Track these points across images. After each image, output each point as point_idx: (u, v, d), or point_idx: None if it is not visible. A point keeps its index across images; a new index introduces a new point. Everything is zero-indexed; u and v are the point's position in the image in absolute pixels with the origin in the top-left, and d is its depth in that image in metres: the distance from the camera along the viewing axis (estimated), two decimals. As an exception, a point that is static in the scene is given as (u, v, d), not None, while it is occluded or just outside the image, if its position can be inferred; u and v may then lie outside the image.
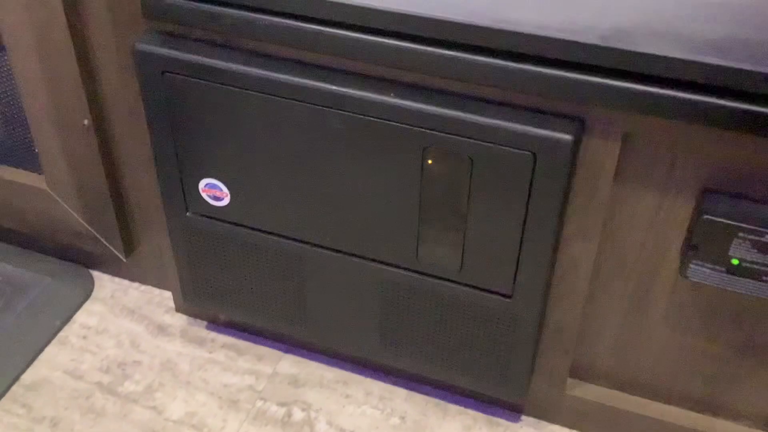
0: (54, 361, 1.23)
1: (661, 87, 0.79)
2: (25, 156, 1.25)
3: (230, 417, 1.16)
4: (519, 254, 0.94)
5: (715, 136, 0.81)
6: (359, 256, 1.04)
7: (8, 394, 1.18)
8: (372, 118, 0.90)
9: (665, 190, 0.89)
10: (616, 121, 0.84)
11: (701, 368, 1.03)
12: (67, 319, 1.30)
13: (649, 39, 0.79)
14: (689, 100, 0.78)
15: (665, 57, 0.77)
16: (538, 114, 0.86)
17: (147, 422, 1.15)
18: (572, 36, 0.80)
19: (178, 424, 1.15)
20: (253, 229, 1.08)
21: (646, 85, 0.79)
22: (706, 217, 0.86)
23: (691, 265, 0.89)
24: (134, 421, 1.15)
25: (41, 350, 1.25)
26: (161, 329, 1.29)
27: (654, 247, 0.94)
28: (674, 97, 0.79)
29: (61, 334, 1.28)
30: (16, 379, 1.20)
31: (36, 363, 1.23)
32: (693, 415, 1.08)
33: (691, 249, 0.88)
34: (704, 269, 0.89)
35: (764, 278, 0.87)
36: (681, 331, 1.00)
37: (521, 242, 0.93)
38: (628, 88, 0.80)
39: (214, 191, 1.06)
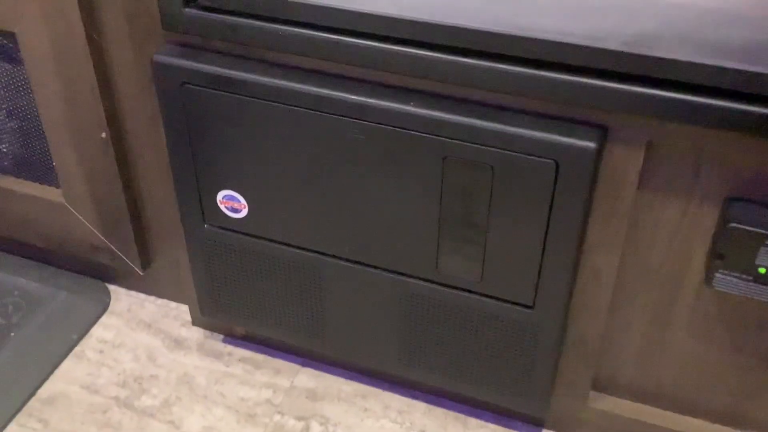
0: (70, 376, 1.23)
1: (686, 93, 0.78)
2: (42, 169, 1.25)
3: (248, 431, 1.15)
4: (541, 264, 0.93)
5: (741, 142, 0.80)
6: (378, 268, 1.03)
7: (25, 409, 1.18)
8: (392, 128, 0.90)
9: (690, 198, 0.88)
10: (640, 129, 0.83)
11: (726, 379, 1.02)
12: (84, 333, 1.29)
13: (673, 45, 0.78)
14: (715, 106, 0.78)
15: (690, 63, 0.77)
16: (560, 122, 0.85)
17: (164, 436, 1.14)
18: (595, 42, 0.79)
19: (196, 439, 1.14)
20: (271, 240, 1.07)
21: (670, 91, 0.79)
22: (732, 225, 0.84)
23: (717, 275, 0.88)
24: (151, 436, 1.15)
25: (58, 364, 1.24)
26: (178, 343, 1.28)
27: (678, 256, 0.93)
28: (699, 104, 0.78)
29: (78, 348, 1.27)
30: (33, 393, 1.20)
31: (52, 377, 1.22)
32: (717, 427, 1.06)
33: (716, 258, 0.87)
34: (730, 278, 0.87)
35: (792, 287, 0.86)
36: (705, 341, 0.99)
37: (543, 252, 0.92)
38: (652, 95, 0.79)
39: (232, 203, 1.06)
